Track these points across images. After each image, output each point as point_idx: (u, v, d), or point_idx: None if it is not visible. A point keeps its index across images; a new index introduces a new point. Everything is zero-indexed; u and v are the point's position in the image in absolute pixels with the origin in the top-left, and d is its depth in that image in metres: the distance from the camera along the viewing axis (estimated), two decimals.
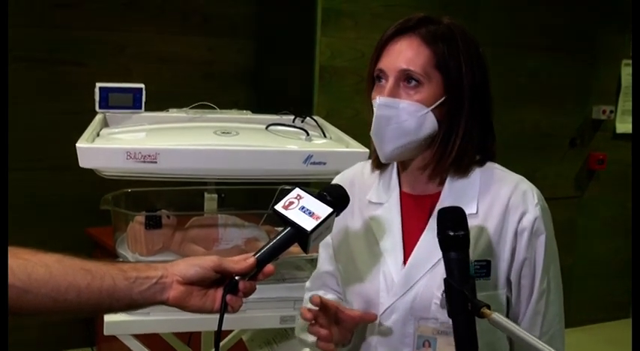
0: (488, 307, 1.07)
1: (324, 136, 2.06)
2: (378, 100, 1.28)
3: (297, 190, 1.19)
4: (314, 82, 3.26)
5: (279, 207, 1.16)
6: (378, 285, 1.32)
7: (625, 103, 4.33)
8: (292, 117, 2.16)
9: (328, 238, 1.44)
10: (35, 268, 1.01)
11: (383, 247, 1.34)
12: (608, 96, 4.29)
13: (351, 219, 1.41)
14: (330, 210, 1.16)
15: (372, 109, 1.31)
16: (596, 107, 4.21)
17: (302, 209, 1.15)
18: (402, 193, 1.37)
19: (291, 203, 1.16)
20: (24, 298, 1.00)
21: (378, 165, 1.39)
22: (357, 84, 3.34)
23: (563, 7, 3.93)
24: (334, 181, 1.48)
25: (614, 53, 4.22)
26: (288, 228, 1.15)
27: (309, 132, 2.01)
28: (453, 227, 1.12)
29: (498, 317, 1.06)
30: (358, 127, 3.36)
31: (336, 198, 1.21)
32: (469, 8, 3.59)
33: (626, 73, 4.29)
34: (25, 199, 3.35)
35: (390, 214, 1.36)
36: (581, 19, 4.01)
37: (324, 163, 1.82)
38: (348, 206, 1.38)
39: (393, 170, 1.39)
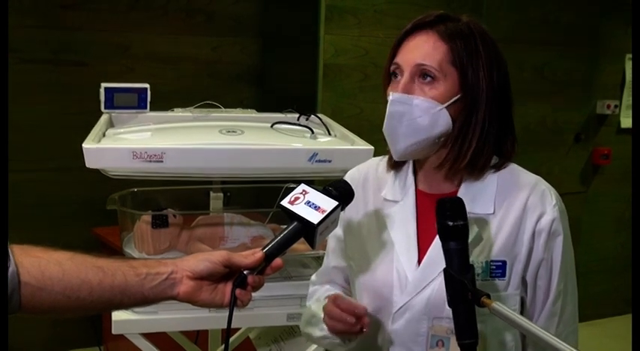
0: (488, 297, 1.07)
1: (329, 133, 2.07)
2: (391, 96, 1.26)
3: (303, 186, 1.20)
4: (318, 80, 3.26)
5: (285, 202, 1.18)
6: (391, 283, 1.31)
7: (629, 97, 4.33)
8: (297, 115, 2.16)
9: (340, 233, 1.45)
10: (48, 266, 1.02)
11: (397, 245, 1.33)
12: (613, 91, 4.29)
13: (365, 216, 1.40)
14: (335, 203, 1.18)
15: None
16: (601, 102, 4.21)
17: (308, 204, 1.17)
18: (417, 192, 1.36)
19: (297, 198, 1.18)
20: (38, 296, 1.00)
21: (394, 165, 1.38)
22: (361, 81, 3.35)
23: (566, 2, 3.93)
24: (347, 176, 1.48)
25: (618, 47, 4.22)
26: (295, 222, 1.16)
27: (314, 130, 2.01)
28: (453, 217, 1.13)
29: (499, 306, 1.06)
30: (363, 124, 3.37)
31: (341, 192, 1.22)
32: (473, 3, 3.59)
33: (630, 67, 4.29)
34: (32, 199, 3.36)
35: (405, 212, 1.35)
36: (585, 13, 4.01)
37: (330, 161, 1.82)
38: (362, 202, 1.40)
39: (409, 168, 1.37)
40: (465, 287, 1.09)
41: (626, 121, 4.33)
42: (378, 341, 1.34)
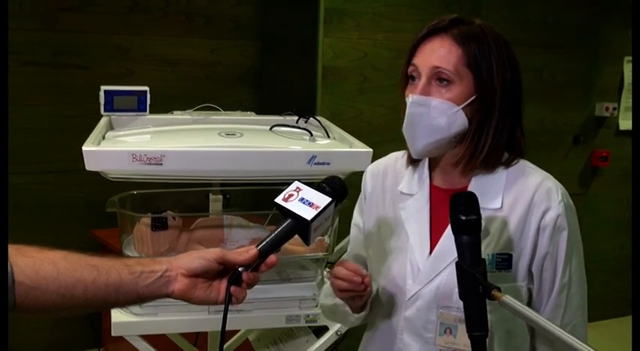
0: (499, 290, 1.10)
1: (328, 136, 2.07)
2: (411, 98, 1.31)
3: (297, 183, 1.22)
4: (317, 82, 3.27)
5: (279, 200, 1.19)
6: (405, 272, 1.37)
7: (628, 99, 4.33)
8: (296, 118, 2.16)
9: (360, 223, 1.53)
10: (43, 266, 1.02)
11: (411, 236, 1.38)
12: (612, 93, 4.29)
13: (382, 208, 1.47)
14: (328, 199, 1.19)
15: (406, 107, 1.34)
16: (600, 104, 4.22)
17: (301, 200, 1.18)
18: (432, 186, 1.42)
19: (291, 195, 1.19)
20: (32, 296, 1.00)
21: (412, 161, 1.44)
22: (360, 84, 3.35)
23: (565, 4, 3.93)
24: (368, 169, 1.56)
25: (617, 50, 4.22)
26: (289, 219, 1.18)
27: (313, 132, 2.02)
28: (466, 211, 1.16)
29: (509, 299, 1.08)
30: (362, 126, 3.38)
31: (335, 189, 1.23)
32: (472, 6, 3.60)
33: (629, 69, 4.29)
34: (32, 201, 3.37)
35: (420, 205, 1.40)
36: (584, 15, 4.01)
37: (328, 164, 1.83)
38: (381, 195, 1.48)
39: (425, 163, 1.43)
40: (477, 280, 1.11)
41: (625, 123, 4.33)
42: (391, 327, 1.40)
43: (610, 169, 4.32)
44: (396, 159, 1.52)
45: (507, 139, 1.36)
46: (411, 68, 1.34)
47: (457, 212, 1.16)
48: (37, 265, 1.02)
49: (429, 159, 1.43)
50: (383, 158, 1.56)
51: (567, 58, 4.01)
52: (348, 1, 3.28)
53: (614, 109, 4.24)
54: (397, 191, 1.45)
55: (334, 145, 1.99)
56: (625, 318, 4.30)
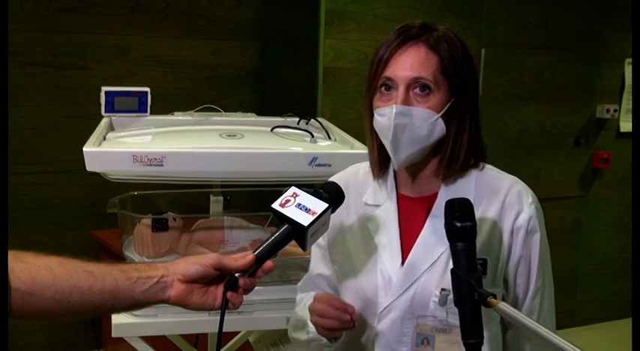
0: (494, 297, 1.09)
1: (329, 137, 2.07)
2: (395, 109, 1.28)
3: (293, 189, 1.21)
4: (318, 83, 3.27)
5: (275, 205, 1.19)
6: (375, 284, 1.34)
7: (629, 101, 4.33)
8: (297, 119, 2.16)
9: (321, 240, 1.46)
10: (39, 271, 1.02)
11: (381, 248, 1.35)
12: (612, 95, 4.29)
13: (347, 220, 1.43)
14: (325, 205, 1.19)
15: (372, 117, 1.33)
16: (600, 106, 4.21)
17: (298, 206, 1.18)
18: (398, 195, 1.39)
19: (288, 201, 1.19)
20: (28, 302, 1.00)
21: (380, 173, 1.40)
22: (361, 85, 3.32)
23: (566, 6, 3.93)
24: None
25: (617, 52, 4.22)
26: (286, 225, 1.17)
27: (314, 134, 2.02)
28: (461, 218, 1.14)
29: (504, 306, 1.08)
30: (362, 128, 3.36)
31: (332, 194, 1.23)
32: (473, 8, 3.59)
33: (630, 71, 4.29)
34: (32, 202, 3.36)
35: (387, 215, 1.37)
36: (585, 17, 4.01)
37: (329, 165, 1.82)
38: (345, 209, 1.40)
39: (390, 172, 1.41)
40: (472, 287, 1.10)
41: (626, 126, 4.33)
42: (362, 342, 1.36)
43: (611, 171, 4.32)
44: (357, 171, 1.48)
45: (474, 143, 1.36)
46: (383, 80, 1.31)
47: (452, 219, 1.15)
48: (32, 270, 1.01)
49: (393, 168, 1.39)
50: (342, 172, 1.52)
51: (568, 60, 4.01)
52: (349, 2, 3.28)
53: (615, 111, 4.24)
54: (361, 203, 1.41)
55: (335, 147, 1.99)
56: (625, 320, 4.29)
